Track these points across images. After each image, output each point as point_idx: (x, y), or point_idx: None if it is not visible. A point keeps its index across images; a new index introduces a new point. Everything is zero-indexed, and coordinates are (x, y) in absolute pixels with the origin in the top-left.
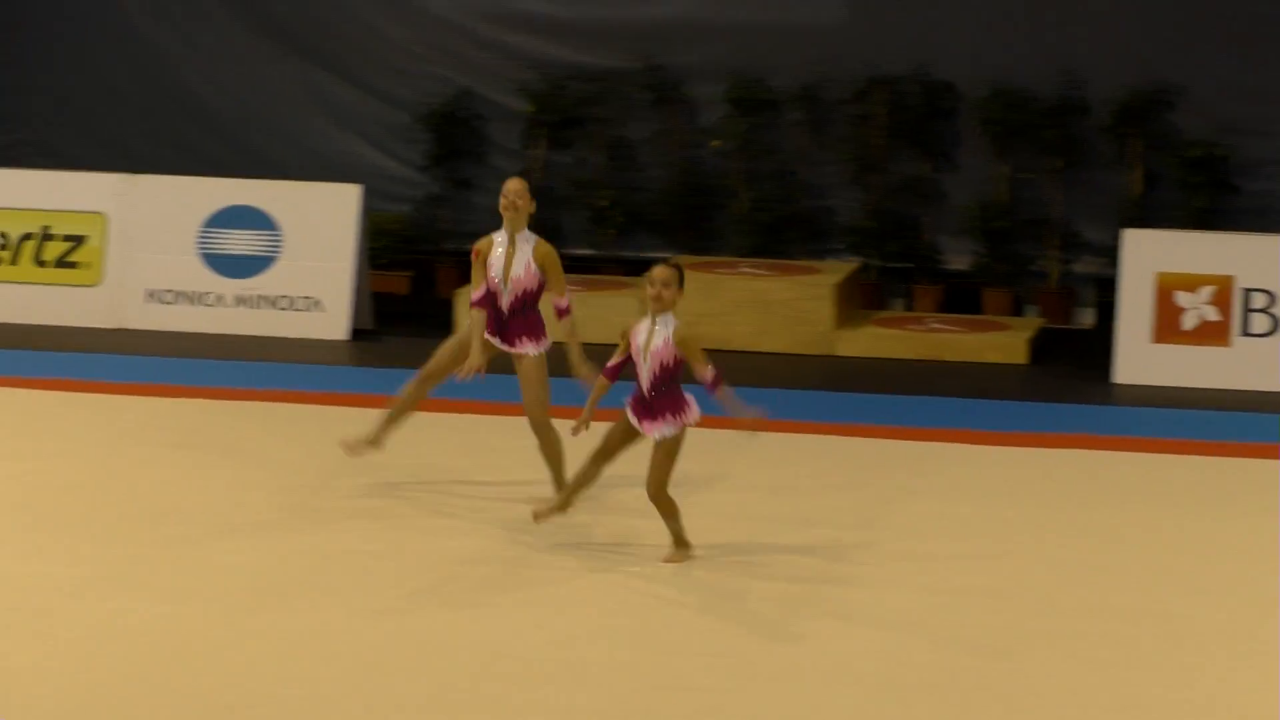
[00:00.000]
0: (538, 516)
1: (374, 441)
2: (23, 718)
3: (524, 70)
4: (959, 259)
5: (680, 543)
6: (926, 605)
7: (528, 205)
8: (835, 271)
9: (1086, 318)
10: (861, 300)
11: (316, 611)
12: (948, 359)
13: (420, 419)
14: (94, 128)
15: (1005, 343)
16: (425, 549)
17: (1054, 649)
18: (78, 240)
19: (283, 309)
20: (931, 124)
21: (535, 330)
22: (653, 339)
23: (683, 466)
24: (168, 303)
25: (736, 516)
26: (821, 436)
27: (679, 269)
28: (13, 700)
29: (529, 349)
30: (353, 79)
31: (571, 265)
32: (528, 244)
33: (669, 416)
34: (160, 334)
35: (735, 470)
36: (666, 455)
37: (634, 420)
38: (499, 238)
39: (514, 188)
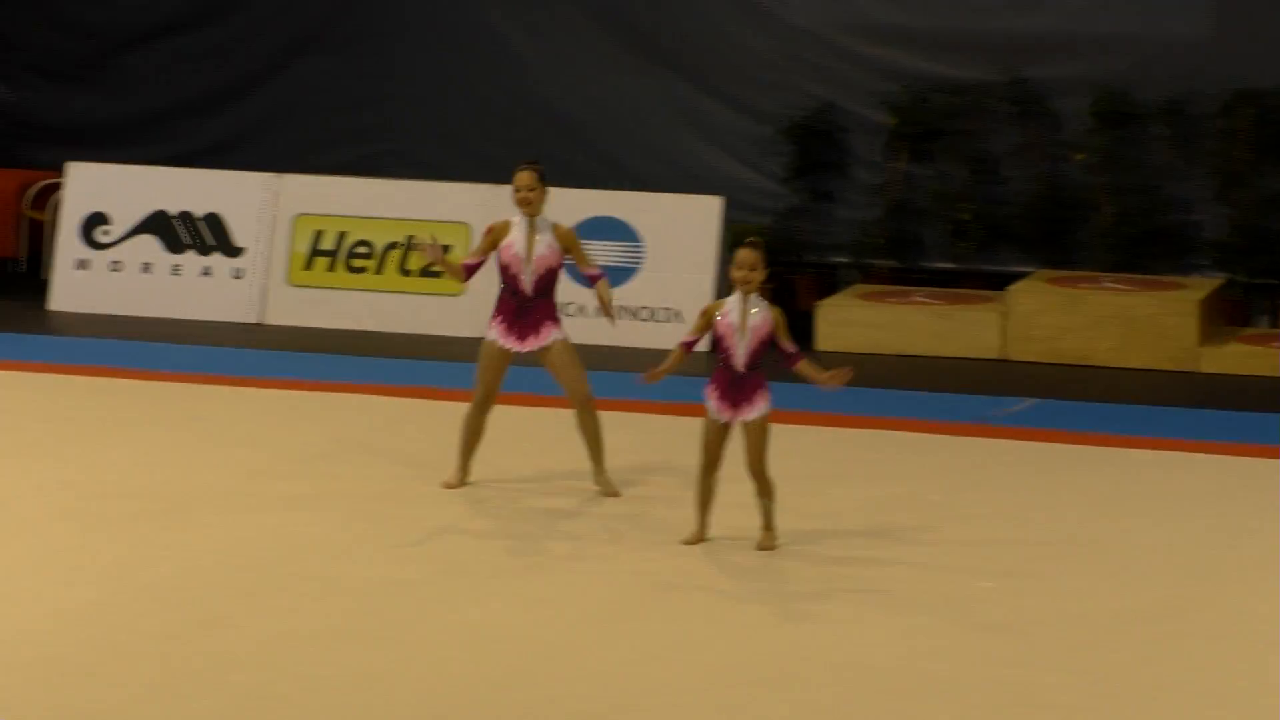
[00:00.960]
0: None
1: (464, 477)
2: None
3: (886, 83)
4: None
5: (769, 526)
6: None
7: (541, 196)
8: (1200, 287)
9: None
10: (1226, 317)
11: (676, 621)
12: None
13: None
14: (458, 139)
15: None
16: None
17: None
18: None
19: (643, 320)
20: None
21: (556, 314)
22: (748, 317)
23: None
24: None
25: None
26: (1188, 454)
27: (762, 249)
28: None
29: (555, 334)
30: (715, 91)
31: (931, 279)
32: (547, 228)
33: (762, 392)
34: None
35: (1098, 487)
36: (764, 431)
37: (724, 411)
38: (517, 222)
39: (525, 181)
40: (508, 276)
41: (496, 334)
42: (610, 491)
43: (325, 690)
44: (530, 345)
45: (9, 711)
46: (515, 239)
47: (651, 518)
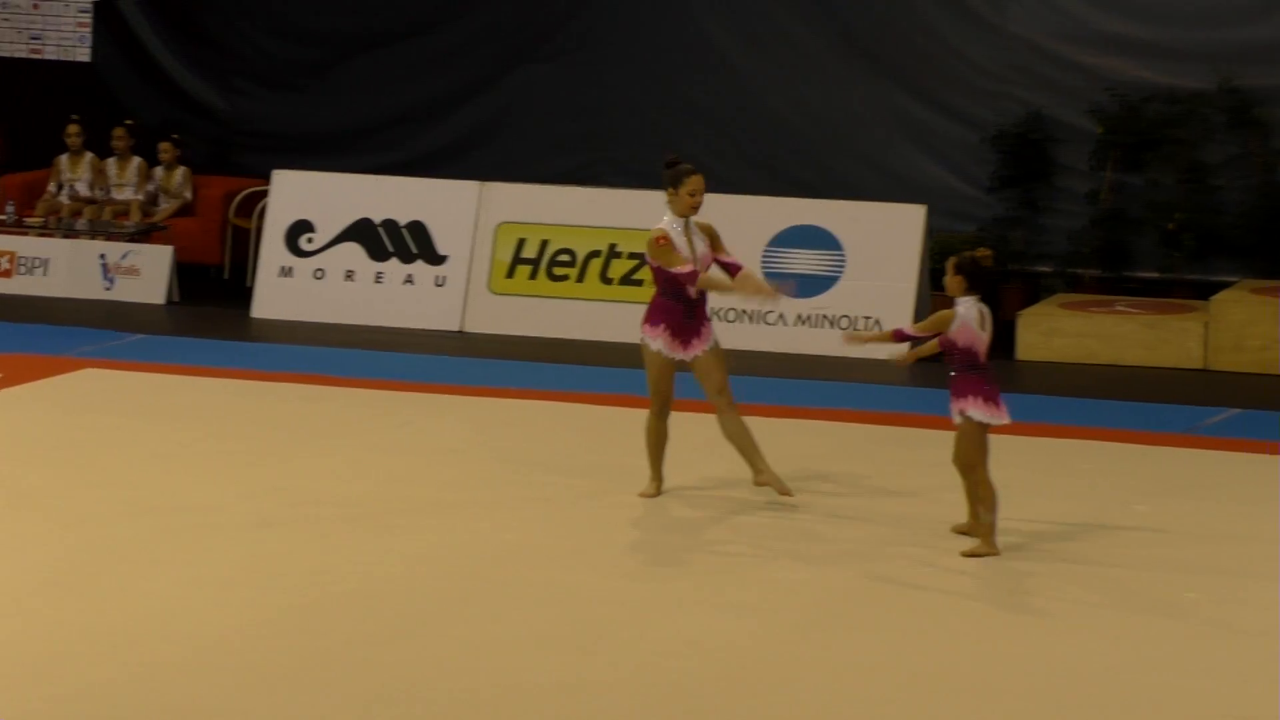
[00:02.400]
0: (971, 554)
1: (659, 486)
2: None
3: (1098, 91)
4: None
5: (985, 531)
6: None
7: None
8: None
9: None
10: None
11: (862, 634)
12: None
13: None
14: (675, 147)
15: None
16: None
17: None
18: (644, 259)
19: (844, 328)
20: None
21: (709, 316)
22: (987, 319)
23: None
24: (730, 321)
25: None
26: None
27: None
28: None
29: (712, 338)
30: (928, 98)
31: (1141, 288)
32: (694, 227)
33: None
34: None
35: None
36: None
37: (993, 414)
38: (674, 225)
39: (702, 184)
40: (678, 283)
41: (662, 344)
42: (782, 489)
43: (529, 698)
44: (695, 350)
45: (214, 718)
46: (681, 247)
47: (840, 523)
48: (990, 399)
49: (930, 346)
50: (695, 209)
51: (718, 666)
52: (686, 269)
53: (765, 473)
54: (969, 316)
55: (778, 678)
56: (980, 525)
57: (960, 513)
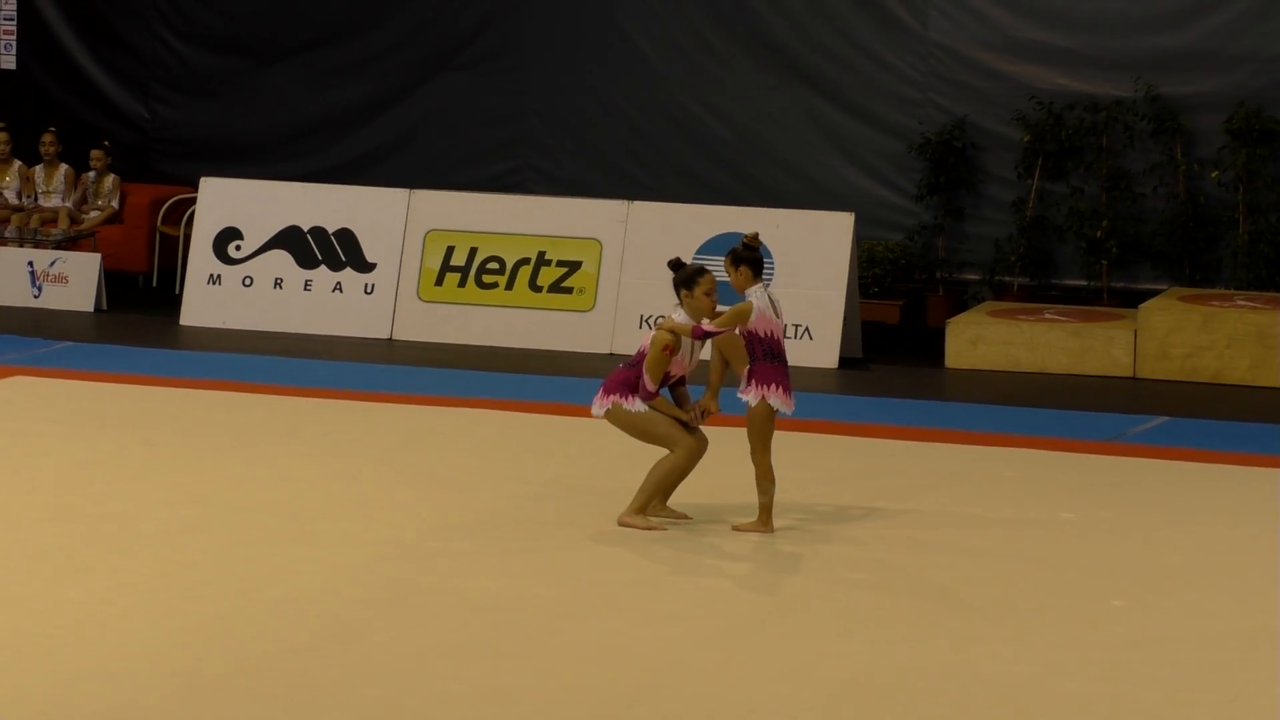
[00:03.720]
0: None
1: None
2: None
3: (1022, 99)
4: None
5: (763, 509)
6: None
7: None
8: None
9: None
10: None
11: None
12: None
13: None
14: (597, 154)
15: None
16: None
17: None
18: (573, 266)
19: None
20: None
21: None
22: (779, 305)
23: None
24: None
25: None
26: None
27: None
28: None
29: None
30: (852, 106)
31: (1064, 295)
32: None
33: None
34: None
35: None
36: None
37: (786, 404)
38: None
39: (715, 282)
40: (774, 343)
41: (781, 401)
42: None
43: (456, 705)
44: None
45: None
46: (764, 307)
47: (779, 538)
48: (787, 390)
49: (736, 345)
50: (714, 307)
51: (637, 674)
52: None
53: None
54: (763, 304)
55: (692, 684)
56: (760, 504)
57: (880, 516)
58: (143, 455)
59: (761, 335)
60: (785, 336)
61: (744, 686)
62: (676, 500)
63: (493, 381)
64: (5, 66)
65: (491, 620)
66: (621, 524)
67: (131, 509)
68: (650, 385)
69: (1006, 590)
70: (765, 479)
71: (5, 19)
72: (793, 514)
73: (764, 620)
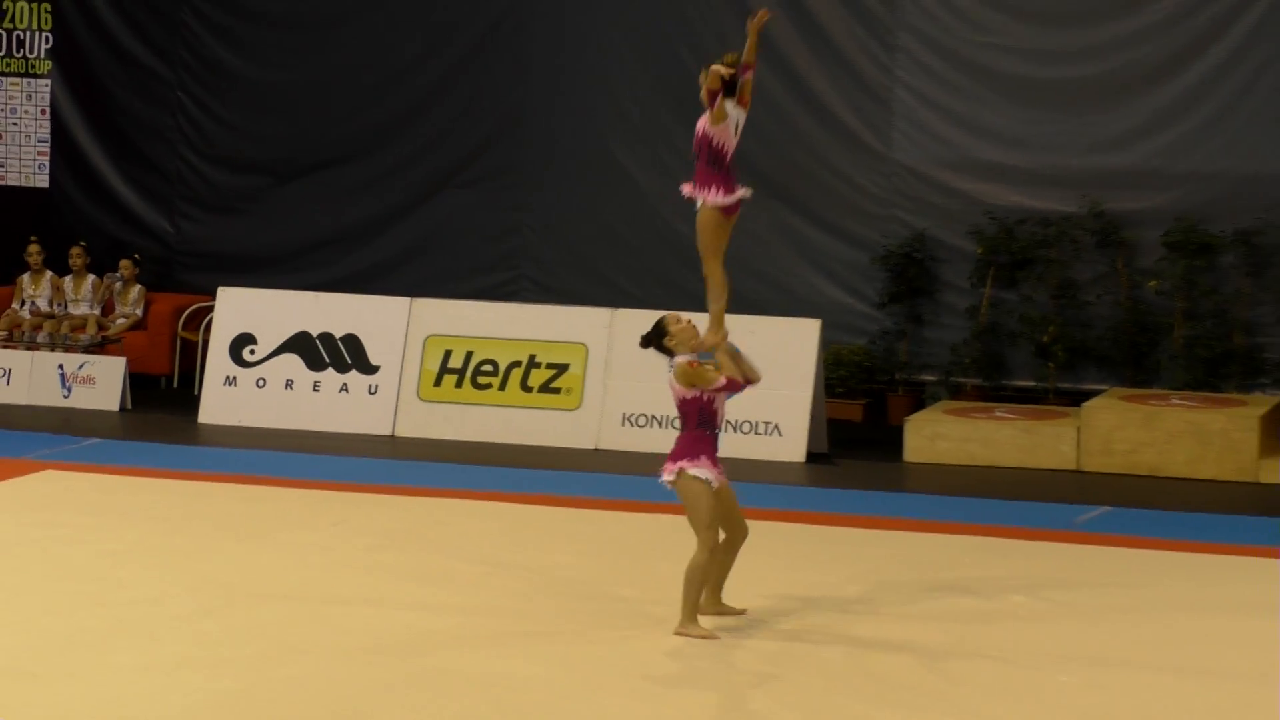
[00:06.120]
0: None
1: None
2: None
3: (977, 214)
4: None
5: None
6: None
7: None
8: (1263, 404)
9: None
10: None
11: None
12: None
13: None
14: (589, 265)
15: None
16: None
17: None
18: (561, 368)
19: (745, 433)
20: None
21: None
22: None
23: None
24: (641, 426)
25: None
26: (1253, 559)
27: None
28: None
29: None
30: (821, 221)
31: (1015, 396)
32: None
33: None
34: (632, 454)
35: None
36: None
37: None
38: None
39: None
40: (708, 408)
41: (710, 474)
42: (736, 610)
43: None
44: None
45: None
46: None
47: (751, 623)
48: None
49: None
50: (693, 329)
51: None
52: (721, 381)
53: (716, 602)
54: (730, 123)
55: None
56: (712, 313)
57: (844, 600)
58: (165, 544)
59: (708, 404)
60: (759, 434)
61: None
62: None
63: (488, 475)
64: (39, 185)
65: (489, 696)
66: (678, 634)
67: (155, 594)
68: (722, 381)
69: (955, 665)
70: (718, 288)
71: (39, 141)
72: (766, 599)
73: (735, 695)
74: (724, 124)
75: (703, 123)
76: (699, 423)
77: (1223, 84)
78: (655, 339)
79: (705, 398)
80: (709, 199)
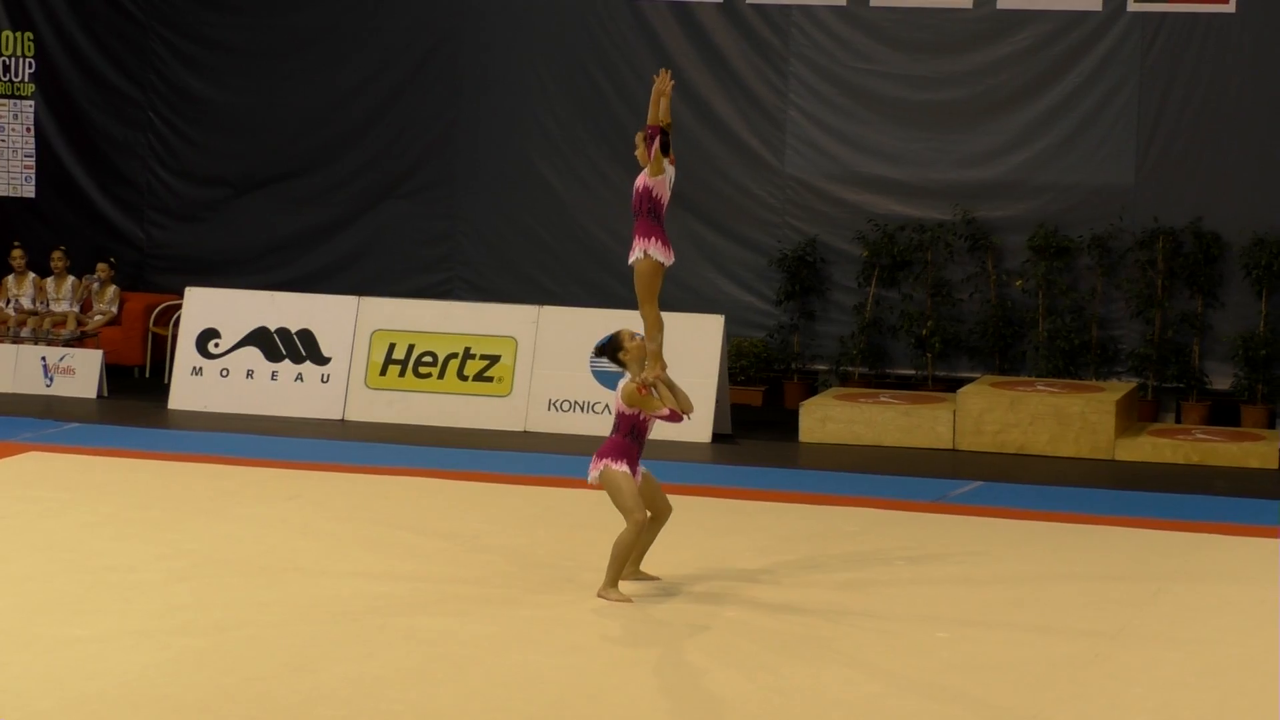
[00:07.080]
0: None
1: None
2: None
3: (862, 222)
4: (1222, 380)
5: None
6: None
7: None
8: (1117, 390)
9: None
10: (1139, 414)
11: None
12: (1212, 464)
13: None
14: (515, 266)
15: (1262, 451)
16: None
17: None
18: (493, 359)
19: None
20: (1204, 268)
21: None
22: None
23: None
24: (565, 411)
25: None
26: (1107, 528)
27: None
28: None
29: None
30: (723, 228)
31: (897, 383)
32: None
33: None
34: (558, 436)
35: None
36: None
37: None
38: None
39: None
40: (640, 425)
41: (660, 253)
42: (652, 577)
43: None
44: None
45: None
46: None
47: (664, 588)
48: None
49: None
50: (641, 342)
51: (548, 695)
52: (664, 412)
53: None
54: (667, 180)
55: (592, 704)
56: (649, 350)
57: (746, 567)
58: (138, 517)
59: (642, 418)
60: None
61: (633, 705)
62: (655, 564)
63: (429, 454)
64: (26, 195)
65: (430, 653)
66: (600, 597)
67: (128, 562)
68: (665, 411)
69: (844, 625)
70: (654, 328)
71: (25, 156)
72: (678, 566)
73: (651, 648)
74: (661, 178)
75: (642, 178)
76: (629, 433)
77: (1077, 106)
78: (611, 351)
79: (641, 417)
80: (649, 250)
